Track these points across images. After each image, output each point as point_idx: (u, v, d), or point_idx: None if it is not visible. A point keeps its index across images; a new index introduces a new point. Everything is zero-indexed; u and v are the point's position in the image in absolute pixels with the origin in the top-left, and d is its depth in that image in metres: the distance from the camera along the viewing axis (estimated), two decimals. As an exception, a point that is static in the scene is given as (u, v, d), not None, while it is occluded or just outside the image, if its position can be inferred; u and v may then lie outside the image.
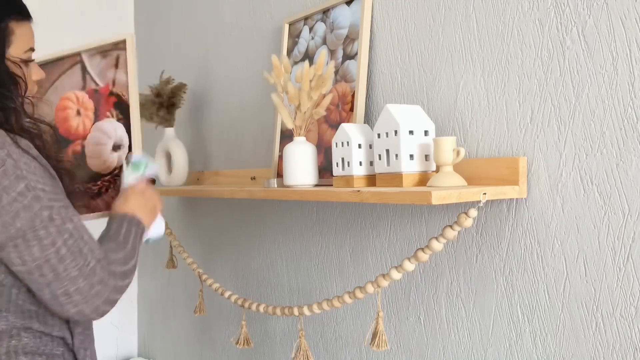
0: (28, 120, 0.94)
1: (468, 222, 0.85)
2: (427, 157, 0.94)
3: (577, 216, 0.85)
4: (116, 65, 1.29)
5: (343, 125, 1.02)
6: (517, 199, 0.92)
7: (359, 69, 1.14)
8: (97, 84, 1.28)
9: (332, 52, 1.22)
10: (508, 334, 0.95)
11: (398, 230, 1.13)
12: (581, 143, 0.84)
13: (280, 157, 1.33)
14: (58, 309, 0.86)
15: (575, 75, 0.84)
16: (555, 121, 0.87)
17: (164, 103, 1.63)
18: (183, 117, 1.84)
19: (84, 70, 1.29)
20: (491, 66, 0.95)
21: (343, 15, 1.21)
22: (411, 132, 0.92)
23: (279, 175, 1.33)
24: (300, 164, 1.09)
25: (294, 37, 1.35)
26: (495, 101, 0.95)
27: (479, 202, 0.83)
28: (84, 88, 1.29)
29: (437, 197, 0.77)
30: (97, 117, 1.25)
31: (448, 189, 0.82)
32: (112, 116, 1.23)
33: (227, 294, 1.36)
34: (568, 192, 0.86)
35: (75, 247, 0.84)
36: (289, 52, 1.36)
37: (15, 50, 0.95)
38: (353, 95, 1.15)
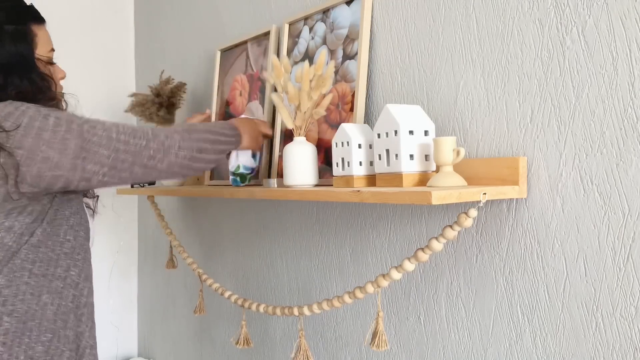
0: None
1: (468, 222, 0.85)
2: (427, 157, 0.94)
3: (577, 216, 0.85)
4: (264, 53, 1.46)
5: (343, 125, 1.02)
6: (517, 199, 0.92)
7: (359, 69, 1.14)
8: (252, 69, 1.50)
9: (332, 52, 1.22)
10: (508, 334, 0.95)
11: (398, 230, 1.13)
12: (581, 143, 0.84)
13: (280, 157, 1.33)
14: (155, 174, 1.02)
15: (575, 75, 0.84)
16: (555, 121, 0.87)
17: (163, 103, 1.63)
18: (184, 117, 1.84)
19: (247, 56, 1.53)
20: (491, 66, 0.95)
21: (343, 15, 1.21)
22: (411, 132, 0.92)
23: (279, 175, 1.33)
24: (300, 164, 1.09)
25: (294, 37, 1.35)
26: (495, 101, 0.95)
27: (479, 202, 0.83)
28: (245, 72, 1.53)
29: (437, 197, 0.77)
30: (250, 98, 1.48)
31: (448, 189, 0.82)
32: (257, 99, 1.45)
33: (227, 294, 1.36)
34: (568, 192, 0.86)
35: (128, 128, 0.98)
36: (289, 52, 1.36)
37: (41, 51, 1.05)
38: (353, 95, 1.15)
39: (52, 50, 1.09)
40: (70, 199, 1.02)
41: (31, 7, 1.06)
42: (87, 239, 1.06)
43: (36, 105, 0.93)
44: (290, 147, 1.11)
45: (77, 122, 0.93)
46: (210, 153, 1.08)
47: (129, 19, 2.23)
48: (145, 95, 1.65)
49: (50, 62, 1.07)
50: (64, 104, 1.10)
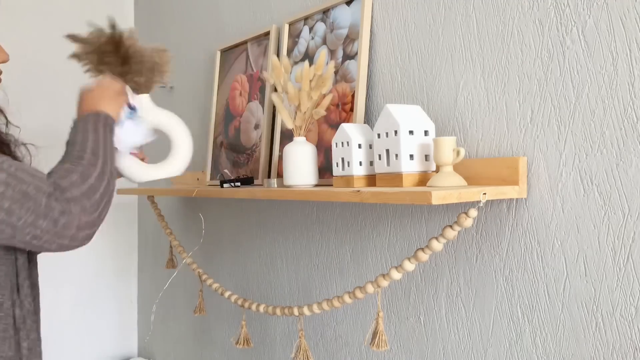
0: None
1: (468, 222, 0.85)
2: (427, 157, 0.94)
3: (577, 216, 0.85)
4: (264, 53, 1.45)
5: (343, 125, 1.02)
6: (517, 199, 0.92)
7: (359, 69, 1.14)
8: (252, 69, 1.49)
9: (332, 52, 1.22)
10: (508, 334, 0.95)
11: (398, 230, 1.13)
12: (581, 143, 0.84)
13: (280, 157, 1.33)
14: (39, 251, 0.86)
15: (575, 75, 0.84)
16: (555, 121, 0.87)
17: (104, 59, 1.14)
18: (184, 117, 1.84)
19: (247, 56, 1.52)
20: (491, 66, 0.95)
21: (343, 15, 1.21)
22: (411, 132, 0.92)
23: (279, 175, 1.33)
24: (300, 164, 1.09)
25: (294, 37, 1.35)
26: (495, 101, 0.95)
27: (479, 202, 0.83)
28: (245, 72, 1.52)
29: (437, 197, 0.77)
30: (250, 98, 1.47)
31: (448, 189, 0.82)
32: (257, 99, 1.44)
33: (227, 294, 1.36)
34: (568, 192, 0.86)
35: (18, 193, 0.80)
36: (289, 52, 1.36)
37: None
38: (353, 95, 1.15)
39: None
40: None
41: None
42: (12, 270, 0.92)
43: None
44: (290, 147, 1.11)
45: None
46: (92, 167, 0.90)
47: (129, 19, 2.23)
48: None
49: None
50: None
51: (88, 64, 1.11)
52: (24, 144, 0.99)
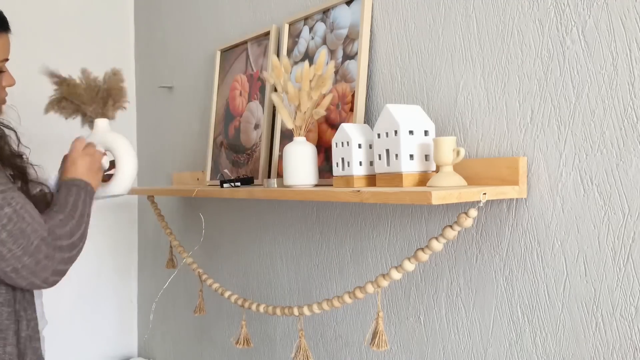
0: None
1: (468, 222, 0.85)
2: (427, 157, 0.94)
3: (577, 216, 0.85)
4: (264, 53, 1.45)
5: (343, 125, 1.02)
6: (517, 199, 0.92)
7: (359, 69, 1.14)
8: (252, 69, 1.49)
9: (332, 52, 1.22)
10: (508, 334, 0.95)
11: (398, 230, 1.13)
12: (581, 143, 0.84)
13: (280, 157, 1.33)
14: (10, 282, 0.94)
15: (575, 75, 0.84)
16: (555, 121, 0.87)
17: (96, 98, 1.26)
18: (184, 117, 1.84)
19: (247, 56, 1.52)
20: (491, 66, 0.95)
21: (343, 15, 1.21)
22: (411, 132, 0.92)
23: (279, 175, 1.33)
24: (300, 164, 1.09)
25: (294, 37, 1.35)
26: (495, 101, 0.95)
27: (479, 202, 0.83)
28: (245, 72, 1.52)
29: (437, 197, 0.77)
30: (250, 98, 1.48)
31: (448, 189, 0.82)
32: (257, 99, 1.44)
33: (227, 294, 1.36)
34: (568, 192, 0.86)
35: (16, 229, 0.90)
36: (289, 52, 1.36)
37: None
38: (353, 95, 1.15)
39: (5, 60, 1.08)
40: None
41: None
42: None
43: None
44: (290, 147, 1.11)
45: None
46: (78, 227, 1.02)
47: (129, 19, 2.23)
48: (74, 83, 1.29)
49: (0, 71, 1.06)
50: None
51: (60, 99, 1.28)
52: (32, 165, 1.09)
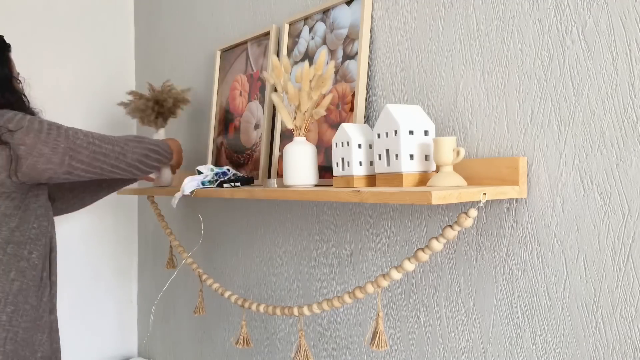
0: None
1: (468, 222, 0.85)
2: (427, 157, 0.94)
3: (577, 216, 0.85)
4: (264, 53, 1.47)
5: (343, 125, 1.02)
6: (517, 199, 0.92)
7: (359, 69, 1.14)
8: (252, 69, 1.51)
9: (332, 52, 1.22)
10: (508, 334, 0.95)
11: (398, 230, 1.13)
12: (581, 143, 0.84)
13: (280, 157, 1.33)
14: (118, 173, 1.30)
15: (575, 75, 0.84)
16: (555, 121, 0.87)
17: (163, 112, 1.63)
18: (184, 117, 1.84)
19: (247, 56, 1.54)
20: (491, 66, 0.95)
21: (343, 15, 1.21)
22: (411, 132, 0.92)
23: (279, 175, 1.33)
24: (300, 164, 1.09)
25: (294, 37, 1.35)
26: (495, 101, 0.95)
27: (479, 202, 0.83)
28: (245, 72, 1.54)
29: (437, 197, 0.77)
30: (250, 98, 1.50)
31: (448, 189, 0.82)
32: (257, 99, 1.47)
33: (227, 294, 1.36)
34: (568, 192, 0.86)
35: (99, 136, 1.25)
36: (289, 52, 1.36)
37: (14, 73, 1.29)
38: (353, 95, 1.15)
39: (18, 74, 1.32)
40: (38, 195, 1.23)
41: (1, 37, 1.29)
42: (50, 228, 1.28)
43: (28, 114, 1.18)
44: (290, 147, 1.11)
45: (64, 128, 1.18)
46: (152, 161, 1.38)
47: (129, 19, 2.23)
48: (145, 101, 1.63)
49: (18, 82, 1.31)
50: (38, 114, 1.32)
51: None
52: (33, 108, 1.32)
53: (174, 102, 1.64)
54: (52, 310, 1.26)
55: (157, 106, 1.62)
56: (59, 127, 1.18)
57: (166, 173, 1.56)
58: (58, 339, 1.27)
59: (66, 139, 1.16)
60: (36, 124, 1.14)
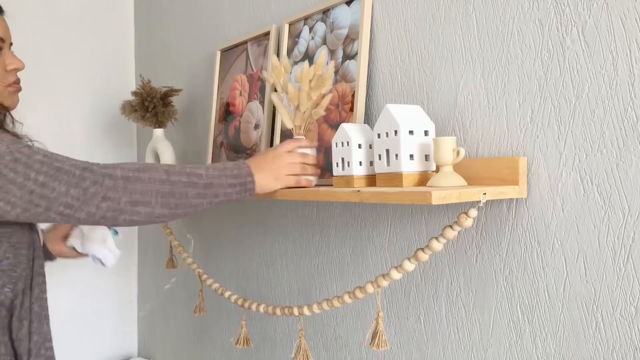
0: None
1: (468, 222, 0.85)
2: (427, 157, 0.94)
3: (577, 216, 0.85)
4: (264, 53, 1.46)
5: (343, 125, 1.02)
6: (517, 199, 0.92)
7: (359, 69, 1.14)
8: (252, 69, 1.50)
9: (332, 52, 1.22)
10: (508, 334, 0.95)
11: (398, 230, 1.13)
12: (581, 143, 0.84)
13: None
14: (72, 221, 0.91)
15: (575, 75, 0.84)
16: (555, 121, 0.87)
17: (149, 108, 1.61)
18: (182, 117, 1.84)
19: (247, 56, 1.52)
20: (491, 66, 0.95)
21: (343, 15, 1.21)
22: (411, 132, 0.92)
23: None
24: None
25: (294, 37, 1.35)
26: (495, 101, 0.95)
27: (479, 202, 0.83)
28: (245, 72, 1.53)
29: (437, 197, 0.77)
30: (250, 98, 1.48)
31: (448, 189, 0.82)
32: (257, 99, 1.45)
33: (227, 294, 1.36)
34: (568, 192, 0.86)
35: (52, 169, 0.88)
36: (289, 52, 1.36)
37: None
38: (353, 95, 1.15)
39: (1, 40, 1.07)
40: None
41: None
42: (32, 255, 1.04)
43: None
44: None
45: (2, 150, 0.86)
46: (186, 208, 0.94)
47: (129, 19, 2.23)
48: (131, 101, 1.62)
49: None
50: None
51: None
52: (31, 141, 1.04)
53: (163, 95, 1.62)
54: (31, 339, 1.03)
55: (147, 101, 1.60)
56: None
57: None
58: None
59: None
60: None
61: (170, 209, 0.93)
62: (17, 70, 1.09)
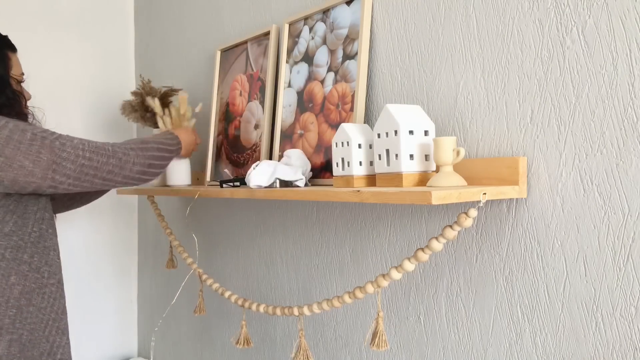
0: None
1: (468, 222, 0.85)
2: (427, 157, 0.94)
3: (577, 216, 0.85)
4: (264, 54, 1.47)
5: (343, 125, 1.02)
6: (517, 199, 0.92)
7: (359, 69, 1.14)
8: (252, 69, 1.51)
9: (332, 52, 1.22)
10: (508, 334, 0.95)
11: (398, 230, 1.13)
12: (581, 143, 0.84)
13: (281, 156, 1.33)
14: (111, 185, 1.20)
15: (575, 75, 0.84)
16: (555, 121, 0.87)
17: (149, 108, 1.63)
18: (183, 117, 1.83)
19: (247, 56, 1.54)
20: (491, 66, 0.95)
21: (343, 15, 1.21)
22: (411, 132, 0.92)
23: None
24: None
25: (294, 37, 1.35)
26: (495, 101, 0.95)
27: (479, 202, 0.83)
28: (245, 72, 1.53)
29: (437, 197, 0.77)
30: (250, 98, 1.50)
31: (448, 189, 0.82)
32: (257, 99, 1.47)
33: (227, 294, 1.36)
34: (568, 192, 0.86)
35: (92, 146, 1.15)
36: (289, 52, 1.36)
37: (14, 72, 1.24)
38: (353, 95, 1.15)
39: (23, 74, 1.27)
40: (38, 197, 1.19)
41: (6, 37, 1.25)
42: (51, 230, 1.23)
43: (14, 120, 1.09)
44: None
45: (50, 138, 1.09)
46: (157, 168, 1.29)
47: (129, 19, 2.23)
48: (131, 101, 1.64)
49: (20, 83, 1.25)
50: (31, 118, 1.27)
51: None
52: (32, 107, 1.28)
53: (162, 95, 1.63)
54: (64, 311, 1.24)
55: (146, 101, 1.61)
56: (44, 137, 1.09)
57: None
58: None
59: (50, 151, 1.07)
60: (17, 134, 1.06)
61: (160, 168, 1.31)
62: (28, 100, 1.30)
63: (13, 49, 1.26)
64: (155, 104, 1.58)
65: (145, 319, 2.20)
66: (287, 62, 1.36)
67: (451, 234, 0.87)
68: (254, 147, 1.45)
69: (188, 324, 1.92)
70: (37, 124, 1.26)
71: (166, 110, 1.57)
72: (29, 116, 1.26)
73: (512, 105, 0.92)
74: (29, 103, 1.28)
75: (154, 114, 1.63)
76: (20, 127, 1.08)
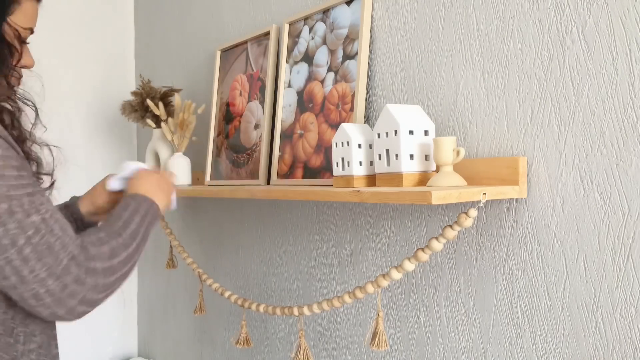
0: (8, 93, 0.89)
1: (468, 222, 0.85)
2: (427, 157, 0.94)
3: (577, 216, 0.85)
4: (264, 54, 1.46)
5: (343, 125, 1.02)
6: (517, 199, 0.92)
7: (359, 69, 1.14)
8: (252, 69, 1.50)
9: (332, 52, 1.22)
10: (508, 334, 0.95)
11: (398, 230, 1.13)
12: (581, 143, 0.84)
13: (281, 156, 1.33)
14: (29, 310, 0.78)
15: (575, 75, 0.84)
16: (555, 121, 0.87)
17: (149, 108, 1.63)
18: (183, 117, 1.83)
19: (247, 56, 1.53)
20: (491, 66, 0.95)
21: (343, 15, 1.21)
22: (411, 132, 0.92)
23: (279, 175, 1.33)
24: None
25: (294, 37, 1.35)
26: (495, 101, 0.95)
27: (479, 202, 0.83)
28: (245, 72, 1.53)
29: (437, 197, 0.77)
30: (250, 98, 1.49)
31: (448, 189, 0.82)
32: (257, 99, 1.46)
33: (227, 294, 1.36)
34: (568, 192, 0.86)
35: (43, 244, 0.74)
36: (289, 52, 1.36)
37: (17, 20, 0.91)
38: (353, 95, 1.15)
39: (31, 30, 0.96)
40: None
41: None
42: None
43: None
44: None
45: (1, 193, 0.73)
46: (124, 247, 0.85)
47: (129, 19, 2.23)
48: (131, 101, 1.65)
49: (23, 40, 0.95)
50: (16, 111, 0.93)
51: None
52: (48, 146, 0.95)
53: (162, 95, 1.63)
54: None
55: (146, 101, 1.62)
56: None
57: None
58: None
59: None
60: None
61: (128, 276, 0.87)
62: (26, 68, 1.01)
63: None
64: (160, 110, 1.56)
65: (145, 319, 2.20)
66: (287, 62, 1.36)
67: (451, 234, 0.87)
68: (254, 147, 1.45)
69: (188, 324, 1.92)
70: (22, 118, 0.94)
71: (170, 120, 1.55)
72: (15, 110, 0.92)
73: (512, 105, 0.92)
74: (27, 78, 1.01)
75: (154, 114, 1.63)
76: None
